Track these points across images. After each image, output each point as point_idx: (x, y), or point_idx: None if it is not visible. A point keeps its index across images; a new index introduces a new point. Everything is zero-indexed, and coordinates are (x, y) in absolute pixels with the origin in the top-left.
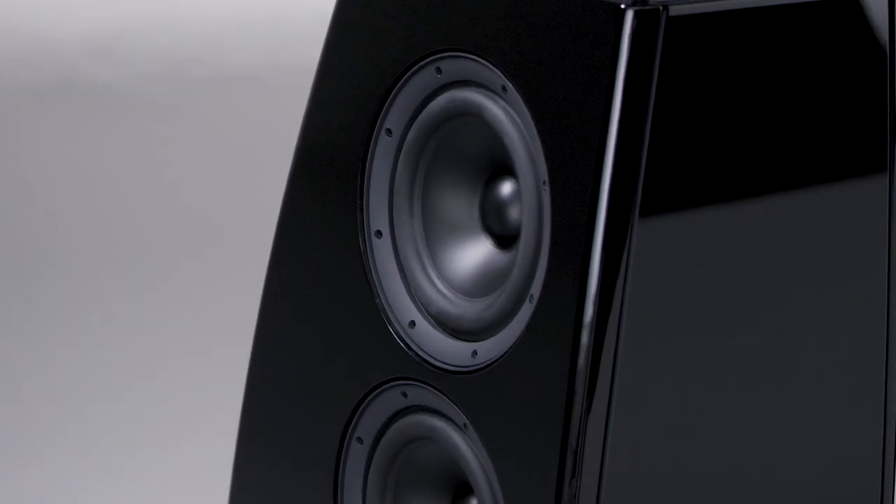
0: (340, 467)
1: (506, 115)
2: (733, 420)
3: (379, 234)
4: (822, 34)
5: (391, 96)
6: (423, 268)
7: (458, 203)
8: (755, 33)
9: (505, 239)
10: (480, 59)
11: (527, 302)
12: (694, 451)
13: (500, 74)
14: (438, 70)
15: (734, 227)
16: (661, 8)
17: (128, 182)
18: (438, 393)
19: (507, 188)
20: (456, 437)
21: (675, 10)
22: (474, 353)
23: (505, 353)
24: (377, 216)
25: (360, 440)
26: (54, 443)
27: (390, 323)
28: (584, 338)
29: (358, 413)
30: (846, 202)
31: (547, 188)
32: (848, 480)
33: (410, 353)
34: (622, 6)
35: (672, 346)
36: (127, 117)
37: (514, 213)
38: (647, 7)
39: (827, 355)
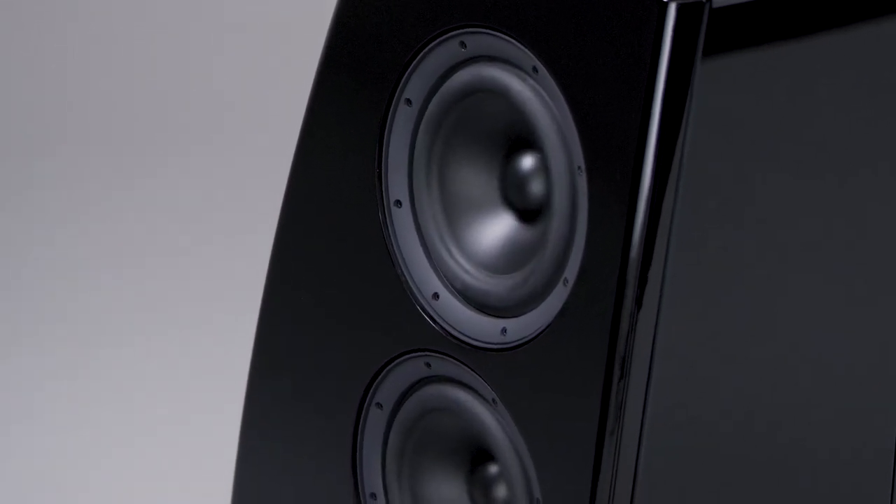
0: (359, 431)
1: (536, 95)
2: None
3: (398, 203)
4: (865, 13)
5: (411, 67)
6: (444, 242)
7: (478, 176)
8: (798, 18)
9: (527, 213)
10: (510, 38)
11: (560, 284)
12: (735, 465)
13: (531, 55)
14: (463, 44)
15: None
16: (705, 1)
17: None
18: (464, 367)
19: (528, 162)
20: (481, 410)
21: (718, 1)
22: (504, 330)
23: (538, 334)
24: (396, 185)
25: (379, 406)
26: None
27: (412, 294)
28: (623, 326)
29: (378, 380)
30: None
31: (583, 174)
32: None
33: (435, 326)
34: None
35: (710, 341)
36: None
37: (536, 187)
38: (691, 1)
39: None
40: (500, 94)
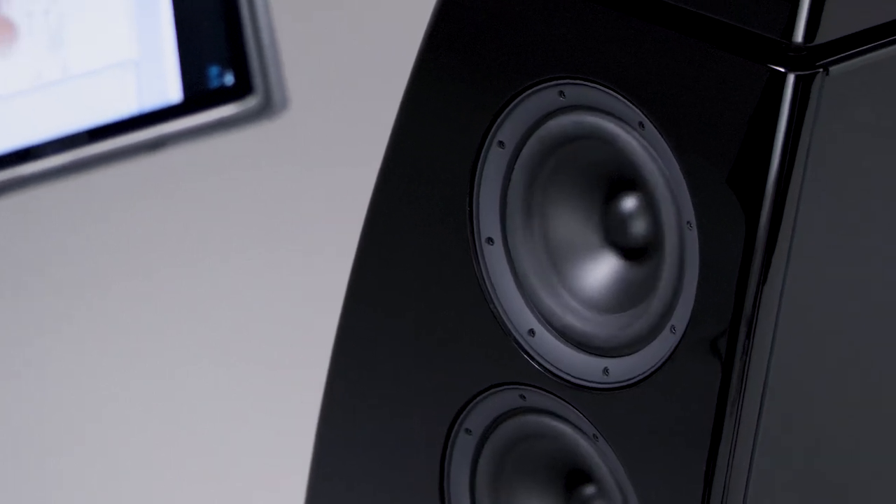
0: (446, 455)
1: (643, 149)
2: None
3: (490, 241)
4: None
5: (505, 111)
6: (545, 280)
7: (578, 216)
8: None
9: (630, 251)
10: (615, 93)
11: (667, 330)
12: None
13: (638, 111)
14: (562, 94)
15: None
16: (822, 70)
17: None
18: (563, 401)
19: (631, 203)
20: (581, 443)
21: (836, 69)
22: (606, 370)
23: (643, 378)
24: (488, 223)
25: (468, 431)
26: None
27: (507, 330)
28: (734, 380)
29: (468, 408)
30: None
31: (693, 230)
32: None
33: (532, 363)
34: (783, 69)
35: (821, 398)
36: None
37: (639, 228)
38: (808, 72)
39: None
40: (605, 142)
